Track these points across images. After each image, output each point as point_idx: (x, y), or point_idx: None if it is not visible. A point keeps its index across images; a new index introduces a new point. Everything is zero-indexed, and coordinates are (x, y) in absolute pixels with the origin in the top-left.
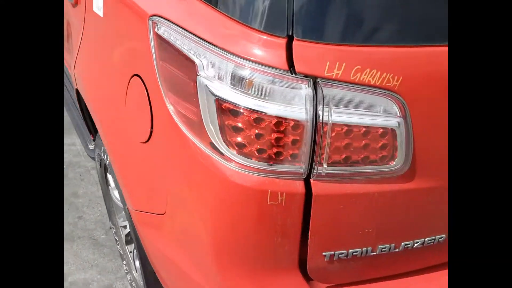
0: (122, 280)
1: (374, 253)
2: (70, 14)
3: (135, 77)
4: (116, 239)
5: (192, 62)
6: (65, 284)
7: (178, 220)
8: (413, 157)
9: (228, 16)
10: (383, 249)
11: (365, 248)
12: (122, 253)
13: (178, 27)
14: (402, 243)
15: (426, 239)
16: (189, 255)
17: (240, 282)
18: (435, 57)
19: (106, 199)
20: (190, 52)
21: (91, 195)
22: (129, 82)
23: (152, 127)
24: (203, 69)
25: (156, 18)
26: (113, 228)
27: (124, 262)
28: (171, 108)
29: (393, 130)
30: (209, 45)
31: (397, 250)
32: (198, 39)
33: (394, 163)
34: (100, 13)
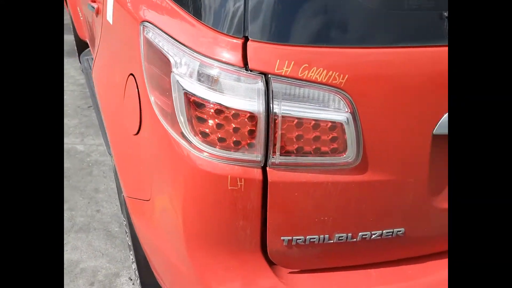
0: (128, 270)
1: (332, 241)
2: (93, 23)
3: (130, 76)
4: (126, 231)
5: (168, 60)
6: (76, 270)
7: (158, 205)
8: (364, 151)
9: (198, 20)
10: (340, 238)
11: (322, 236)
12: (130, 244)
13: (160, 31)
14: (360, 233)
15: (384, 231)
16: (167, 239)
17: (209, 263)
18: (381, 58)
19: (119, 193)
20: (167, 52)
21: (111, 191)
22: (126, 81)
23: (140, 121)
24: (176, 66)
25: (145, 23)
26: (124, 220)
27: (131, 252)
28: (153, 102)
29: (341, 124)
30: (181, 45)
31: (355, 240)
32: (173, 40)
33: (345, 155)
34: (111, 21)
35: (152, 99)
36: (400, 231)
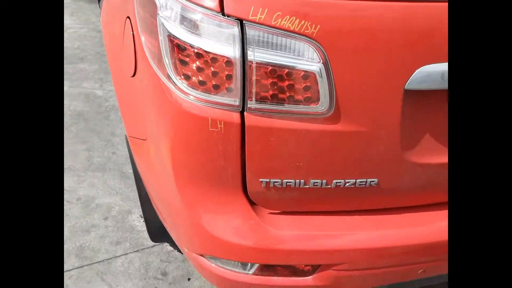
0: (139, 208)
1: (308, 186)
2: None
3: (127, 19)
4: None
5: (155, 3)
6: (92, 205)
7: (152, 144)
8: (337, 102)
9: None
10: (315, 183)
11: (298, 180)
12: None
13: None
14: (334, 181)
15: (357, 180)
16: (161, 175)
17: (197, 199)
18: (353, 11)
19: None
20: None
21: None
22: (124, 24)
23: (136, 63)
24: (161, 9)
25: None
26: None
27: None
28: (144, 45)
29: (314, 74)
30: None
31: (329, 186)
32: None
33: (318, 105)
34: None
35: (143, 41)
36: (373, 181)
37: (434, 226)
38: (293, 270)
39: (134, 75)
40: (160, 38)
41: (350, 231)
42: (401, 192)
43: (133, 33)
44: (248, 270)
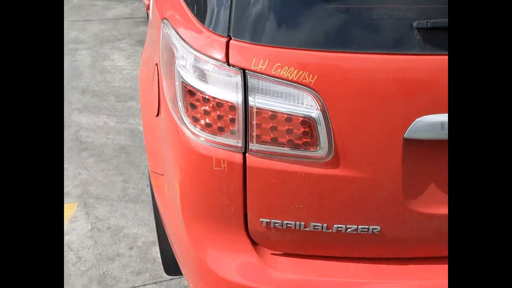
0: None
1: (308, 229)
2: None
3: (156, 65)
4: None
5: (173, 53)
6: (120, 234)
7: (167, 180)
8: (336, 147)
9: (197, 20)
10: (315, 227)
11: (299, 222)
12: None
13: (172, 27)
14: (335, 225)
15: (359, 226)
16: (173, 210)
17: (202, 235)
18: (349, 62)
19: None
20: (174, 46)
21: None
22: (154, 69)
23: (159, 105)
24: (178, 58)
25: (164, 20)
26: None
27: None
28: (164, 89)
29: (312, 120)
30: (182, 40)
31: (330, 231)
32: (178, 36)
33: (317, 149)
34: (151, 16)
35: (164, 86)
36: (376, 229)
37: (442, 282)
38: None
39: (157, 115)
40: (176, 83)
41: (354, 279)
42: (407, 243)
43: (158, 78)
44: None
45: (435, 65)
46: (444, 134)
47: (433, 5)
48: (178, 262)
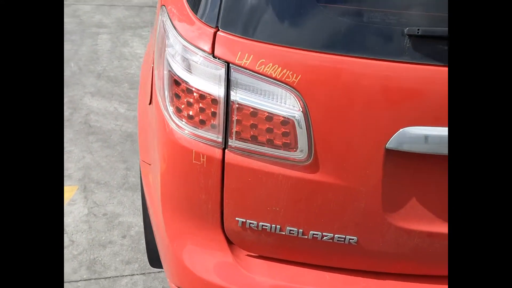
0: None
1: (284, 233)
2: None
3: (153, 53)
4: None
5: (165, 42)
6: (115, 222)
7: (153, 169)
8: (315, 151)
9: (191, 9)
10: (291, 231)
11: (274, 225)
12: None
13: (167, 15)
14: (311, 232)
15: (335, 235)
16: (155, 200)
17: (179, 227)
18: (335, 64)
19: None
20: (167, 34)
21: None
22: (152, 56)
23: (151, 92)
24: (168, 46)
25: (163, 7)
26: None
27: None
28: (155, 77)
29: (293, 121)
30: (173, 28)
31: (306, 237)
32: (171, 23)
33: (297, 152)
34: (157, 6)
35: (155, 74)
36: (352, 239)
37: None
38: None
39: (150, 103)
40: (164, 72)
41: None
42: (385, 257)
43: (152, 66)
44: None
45: (424, 75)
46: (427, 148)
47: (426, 12)
48: (159, 254)
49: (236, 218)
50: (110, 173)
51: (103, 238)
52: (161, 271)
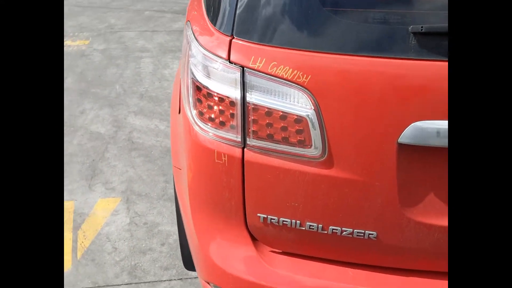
0: None
1: (304, 228)
2: None
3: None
4: None
5: (188, 51)
6: (154, 230)
7: (183, 173)
8: (330, 148)
9: (210, 21)
10: (311, 227)
11: (294, 220)
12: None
13: (190, 28)
14: (330, 227)
15: (354, 230)
16: (185, 203)
17: (206, 225)
18: (343, 64)
19: None
20: (190, 45)
21: None
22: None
23: (180, 102)
24: (191, 56)
25: (188, 23)
26: None
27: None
28: (183, 85)
29: (305, 119)
30: (195, 39)
31: (325, 232)
32: (193, 35)
33: (311, 148)
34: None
35: (182, 82)
36: (372, 234)
37: None
38: None
39: (179, 112)
40: (188, 81)
41: (350, 285)
42: (406, 253)
43: (180, 78)
44: None
45: (431, 70)
46: (439, 141)
47: (429, 10)
48: (191, 252)
49: (258, 214)
50: (150, 185)
51: (144, 245)
52: (197, 277)
